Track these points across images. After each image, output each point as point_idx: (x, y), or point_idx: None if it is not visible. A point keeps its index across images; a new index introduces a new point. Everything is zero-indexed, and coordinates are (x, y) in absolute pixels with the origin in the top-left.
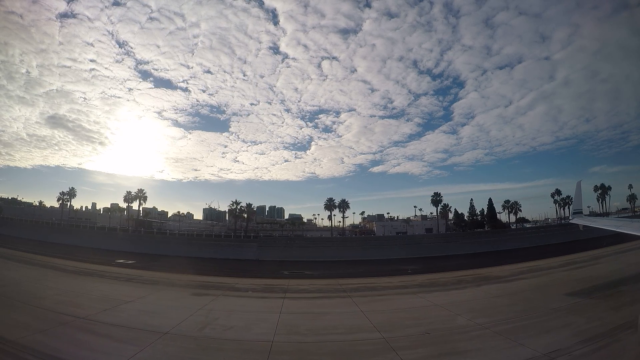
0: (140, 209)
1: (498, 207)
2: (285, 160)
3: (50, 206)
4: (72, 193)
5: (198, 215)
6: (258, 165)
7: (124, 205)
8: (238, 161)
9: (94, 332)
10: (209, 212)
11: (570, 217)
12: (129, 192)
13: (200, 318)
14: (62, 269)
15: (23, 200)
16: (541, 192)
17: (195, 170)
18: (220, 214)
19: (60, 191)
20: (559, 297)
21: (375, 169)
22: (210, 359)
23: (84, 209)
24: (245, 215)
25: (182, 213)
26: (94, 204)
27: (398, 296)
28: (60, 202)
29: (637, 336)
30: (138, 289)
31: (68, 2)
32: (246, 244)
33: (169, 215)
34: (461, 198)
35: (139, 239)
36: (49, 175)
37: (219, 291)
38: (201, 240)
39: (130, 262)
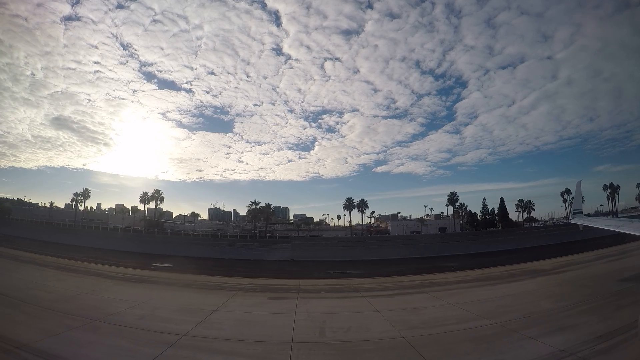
0: (156, 209)
1: (509, 206)
2: (289, 161)
3: (55, 206)
4: (86, 194)
5: (203, 216)
6: (262, 165)
7: (136, 205)
8: (242, 161)
9: (220, 352)
10: (214, 212)
11: (570, 217)
12: (145, 193)
13: (308, 323)
14: (108, 276)
15: (30, 201)
16: (545, 191)
17: (200, 170)
18: (226, 214)
19: (74, 192)
20: (614, 283)
21: (379, 169)
22: None
23: (88, 209)
24: (260, 216)
25: (186, 214)
26: (99, 205)
27: (469, 289)
28: (75, 203)
29: (638, 337)
30: (209, 295)
31: (72, 6)
32: (279, 244)
33: (174, 215)
34: (464, 198)
35: (154, 240)
36: (53, 176)
37: (292, 294)
38: (226, 241)
39: (167, 265)
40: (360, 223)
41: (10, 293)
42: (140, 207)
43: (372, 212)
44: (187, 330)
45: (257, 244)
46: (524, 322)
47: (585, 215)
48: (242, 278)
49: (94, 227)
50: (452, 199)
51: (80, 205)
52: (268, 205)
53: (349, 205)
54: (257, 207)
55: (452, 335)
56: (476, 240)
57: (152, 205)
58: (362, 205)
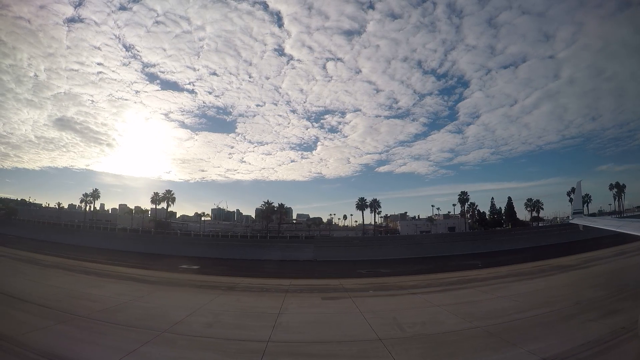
0: (167, 210)
1: (514, 206)
2: (292, 161)
3: (62, 207)
4: (95, 194)
5: (206, 216)
6: (264, 165)
7: (140, 205)
8: (245, 162)
9: (319, 356)
10: (218, 213)
11: (570, 217)
12: (156, 194)
13: (380, 320)
14: (142, 280)
15: (35, 202)
16: (548, 190)
17: (202, 171)
18: (229, 214)
19: (83, 192)
20: None
21: (382, 169)
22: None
23: (91, 210)
24: (272, 216)
25: (189, 215)
26: (102, 205)
27: (509, 284)
28: (84, 203)
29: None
30: (260, 298)
31: (75, 7)
32: (301, 245)
33: (178, 216)
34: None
35: (168, 241)
36: (56, 177)
37: (342, 293)
38: (241, 241)
39: (194, 267)
40: (372, 223)
41: (54, 304)
42: (146, 207)
43: (379, 212)
44: (267, 336)
45: (274, 245)
46: (577, 309)
47: (585, 215)
48: (280, 279)
49: (102, 227)
50: (463, 198)
51: (89, 206)
52: (281, 205)
53: (361, 205)
54: (270, 206)
55: (519, 322)
56: (488, 240)
57: (161, 205)
58: (375, 205)
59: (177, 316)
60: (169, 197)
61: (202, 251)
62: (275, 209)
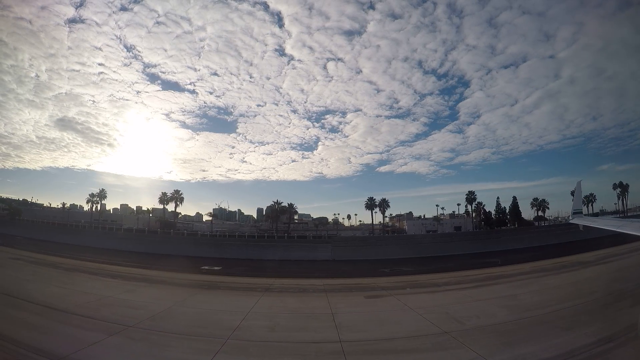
0: (176, 210)
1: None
2: (293, 161)
3: (67, 207)
4: (102, 195)
5: (207, 216)
6: (265, 165)
7: (141, 205)
8: (245, 162)
9: (405, 351)
10: (219, 212)
11: (570, 217)
12: (164, 194)
13: (436, 316)
14: (171, 283)
15: (37, 202)
16: (549, 190)
17: (203, 171)
18: (231, 214)
19: (90, 193)
20: None
21: (382, 169)
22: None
23: (97, 210)
24: (282, 216)
25: (190, 215)
26: (103, 205)
27: (537, 279)
28: (91, 204)
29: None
30: (303, 299)
31: (76, 8)
32: (320, 244)
33: (179, 215)
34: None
35: (179, 241)
36: (58, 177)
37: (382, 292)
38: (254, 241)
39: (216, 268)
40: (381, 222)
41: (95, 314)
42: (147, 207)
43: (381, 211)
44: (336, 336)
45: (289, 244)
46: (611, 298)
47: (585, 215)
48: (310, 279)
49: (107, 228)
50: (470, 197)
51: (95, 206)
52: (290, 205)
53: (370, 204)
54: (280, 207)
55: (565, 311)
56: (498, 239)
57: (169, 206)
58: (384, 205)
59: (231, 321)
60: (177, 197)
61: (215, 252)
62: (285, 208)
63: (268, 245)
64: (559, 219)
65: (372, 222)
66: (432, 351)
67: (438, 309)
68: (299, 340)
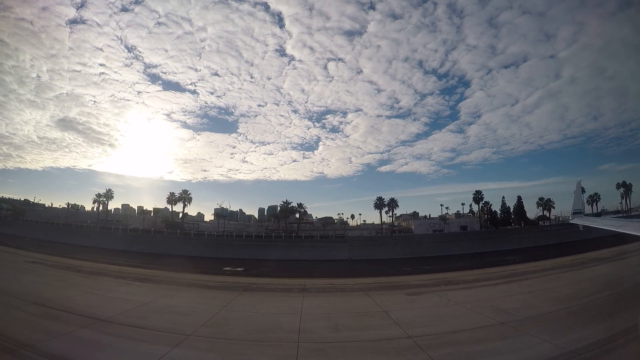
0: (184, 211)
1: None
2: (294, 161)
3: (70, 206)
4: (109, 195)
5: (208, 216)
6: (266, 165)
7: (142, 205)
8: (246, 162)
9: (463, 343)
10: (221, 212)
11: (570, 217)
12: (172, 194)
13: (483, 310)
14: (202, 285)
15: (39, 202)
16: (550, 190)
17: (204, 170)
18: (233, 213)
19: (97, 193)
20: None
21: (383, 169)
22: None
23: (94, 210)
24: (290, 216)
25: (192, 215)
26: (105, 205)
27: (562, 274)
28: (97, 204)
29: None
30: (346, 298)
31: (77, 9)
32: (337, 244)
33: (180, 216)
34: (470, 197)
35: (190, 241)
36: (59, 177)
37: (422, 289)
38: (266, 241)
39: (239, 269)
40: (390, 222)
41: (143, 323)
42: (148, 207)
43: (387, 211)
44: (404, 332)
45: (309, 245)
46: (639, 289)
47: (586, 215)
48: (340, 279)
49: (113, 228)
50: (478, 197)
51: (102, 206)
52: (300, 205)
53: (379, 204)
54: (290, 207)
55: (600, 301)
56: (507, 238)
57: (177, 206)
58: (392, 205)
59: (290, 324)
60: (185, 197)
61: (229, 252)
62: (294, 208)
63: (284, 245)
64: (560, 218)
65: (381, 221)
66: (500, 340)
67: (483, 303)
68: (368, 338)
